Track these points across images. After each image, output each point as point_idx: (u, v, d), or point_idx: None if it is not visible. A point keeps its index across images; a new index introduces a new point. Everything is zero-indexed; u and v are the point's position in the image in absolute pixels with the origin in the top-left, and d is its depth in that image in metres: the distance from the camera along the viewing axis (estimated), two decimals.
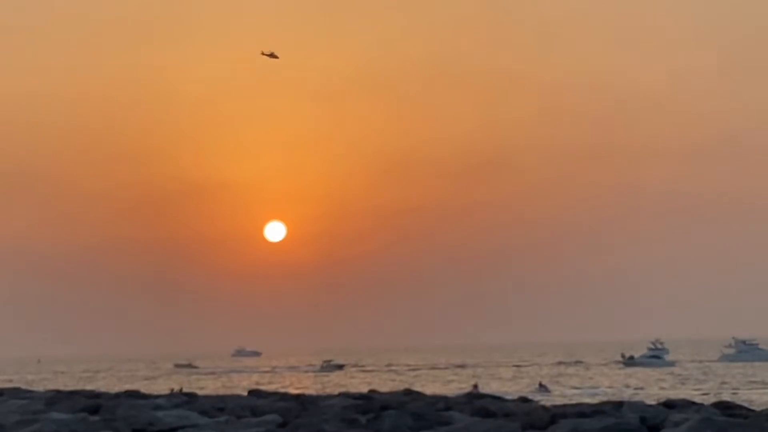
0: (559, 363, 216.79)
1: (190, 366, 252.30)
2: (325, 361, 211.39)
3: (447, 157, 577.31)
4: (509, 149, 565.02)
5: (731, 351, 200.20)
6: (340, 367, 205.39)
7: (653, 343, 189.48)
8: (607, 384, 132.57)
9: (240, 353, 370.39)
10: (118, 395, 57.63)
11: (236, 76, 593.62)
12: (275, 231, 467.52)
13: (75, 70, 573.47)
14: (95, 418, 39.79)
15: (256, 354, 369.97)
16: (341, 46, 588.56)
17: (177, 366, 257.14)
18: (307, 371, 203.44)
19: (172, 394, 58.79)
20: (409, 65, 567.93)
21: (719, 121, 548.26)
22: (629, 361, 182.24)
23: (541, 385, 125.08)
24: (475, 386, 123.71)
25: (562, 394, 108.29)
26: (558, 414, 39.68)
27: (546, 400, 75.12)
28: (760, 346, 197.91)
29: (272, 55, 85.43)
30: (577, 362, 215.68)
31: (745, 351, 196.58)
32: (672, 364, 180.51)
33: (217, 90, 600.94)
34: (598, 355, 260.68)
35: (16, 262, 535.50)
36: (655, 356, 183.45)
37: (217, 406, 46.50)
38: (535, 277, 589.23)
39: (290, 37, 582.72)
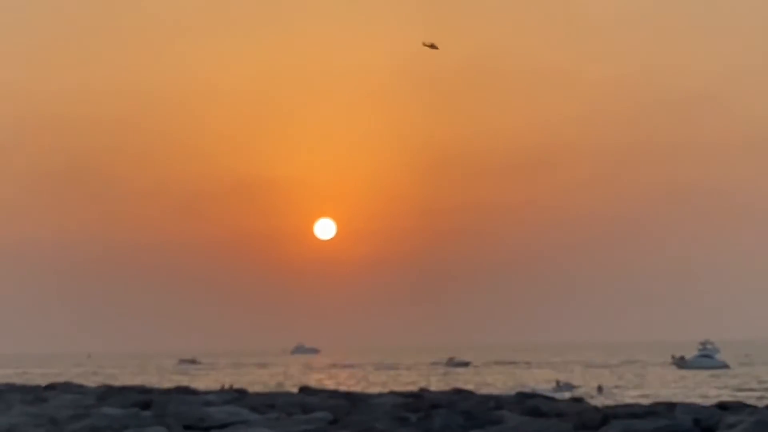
0: (616, 364, 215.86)
1: (193, 362, 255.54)
2: (449, 359, 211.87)
3: (493, 154, 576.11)
4: (556, 147, 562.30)
5: None
6: (466, 364, 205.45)
7: (703, 344, 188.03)
8: (660, 385, 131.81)
9: (299, 350, 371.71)
10: (168, 391, 57.90)
11: (284, 73, 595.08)
12: (325, 228, 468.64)
13: (125, 67, 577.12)
14: (146, 413, 39.99)
15: (315, 351, 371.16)
16: (386, 43, 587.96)
17: (181, 361, 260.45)
18: (434, 367, 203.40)
19: (222, 390, 58.98)
20: (455, 62, 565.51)
21: None
22: (680, 362, 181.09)
23: (599, 387, 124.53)
24: (558, 382, 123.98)
25: (618, 395, 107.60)
26: (610, 414, 39.38)
27: (600, 401, 74.77)
28: None
29: (432, 46, 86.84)
30: (631, 362, 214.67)
31: None
32: (724, 364, 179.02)
33: (265, 86, 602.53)
34: (651, 356, 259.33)
35: (68, 259, 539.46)
36: (707, 356, 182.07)
37: (267, 402, 46.57)
38: (581, 276, 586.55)
39: (335, 34, 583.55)
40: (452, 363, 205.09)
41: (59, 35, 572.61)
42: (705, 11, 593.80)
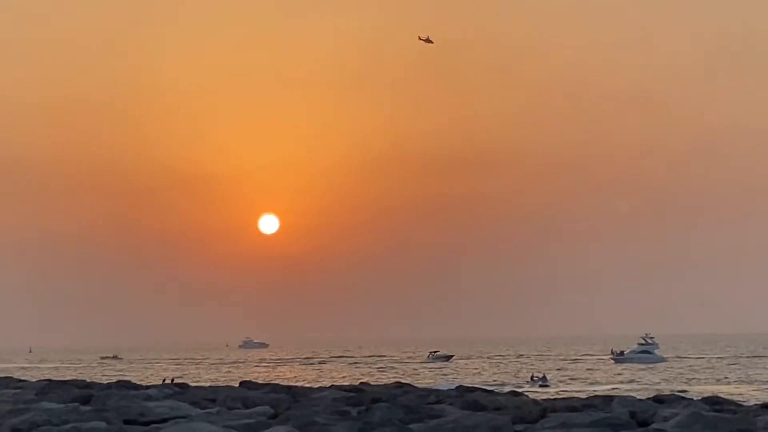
0: (555, 357, 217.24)
1: (115, 357, 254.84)
2: (431, 352, 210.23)
3: (436, 151, 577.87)
4: (497, 144, 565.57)
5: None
6: (448, 358, 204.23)
7: (643, 338, 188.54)
8: (599, 379, 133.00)
9: (248, 344, 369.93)
10: (109, 385, 57.65)
11: (230, 70, 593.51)
12: (269, 223, 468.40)
13: (70, 63, 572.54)
14: (87, 408, 39.84)
15: (264, 345, 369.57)
16: (334, 41, 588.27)
17: (102, 358, 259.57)
18: (417, 361, 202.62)
19: (163, 385, 58.85)
20: (401, 59, 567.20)
21: (704, 119, 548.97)
22: (619, 357, 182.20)
23: (535, 377, 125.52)
24: (533, 377, 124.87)
25: (559, 388, 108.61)
26: (548, 408, 39.85)
27: (539, 394, 75.46)
28: None
29: (428, 40, 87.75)
30: (575, 359, 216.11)
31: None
32: (662, 359, 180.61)
33: (212, 83, 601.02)
34: (590, 350, 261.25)
35: (6, 251, 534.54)
36: (646, 351, 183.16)
37: (209, 397, 46.59)
38: (523, 271, 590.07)
39: (281, 32, 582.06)
40: (434, 357, 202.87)
41: None
42: (645, 12, 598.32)
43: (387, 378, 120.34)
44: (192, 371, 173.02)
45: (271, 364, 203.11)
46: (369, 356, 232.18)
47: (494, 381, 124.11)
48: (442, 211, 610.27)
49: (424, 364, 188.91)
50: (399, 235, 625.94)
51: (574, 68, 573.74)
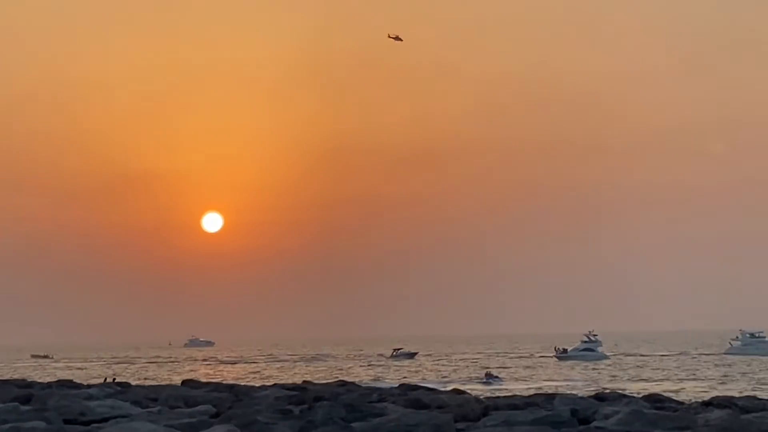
0: (499, 354, 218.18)
1: (46, 357, 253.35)
2: (395, 349, 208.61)
3: (380, 148, 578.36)
4: (442, 142, 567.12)
5: (738, 344, 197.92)
6: (412, 355, 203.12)
7: (587, 336, 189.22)
8: (542, 376, 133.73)
9: (193, 343, 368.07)
10: (50, 385, 57.18)
11: (171, 67, 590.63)
12: (212, 221, 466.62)
13: (11, 59, 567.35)
14: (26, 407, 39.47)
15: (210, 344, 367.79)
16: (275, 37, 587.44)
17: (33, 356, 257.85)
18: (378, 359, 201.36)
19: (105, 384, 58.46)
20: (343, 56, 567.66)
21: (651, 118, 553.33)
22: (562, 355, 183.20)
23: (489, 375, 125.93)
24: (488, 374, 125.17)
25: (504, 387, 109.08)
26: (490, 406, 39.97)
27: (482, 392, 75.73)
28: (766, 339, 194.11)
29: (397, 38, 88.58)
30: (518, 356, 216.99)
31: (750, 344, 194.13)
32: (605, 356, 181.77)
33: (151, 81, 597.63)
34: (533, 348, 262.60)
35: None
36: (589, 349, 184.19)
37: (150, 396, 46.33)
38: (465, 270, 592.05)
39: (223, 28, 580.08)
40: (398, 355, 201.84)
41: None
42: (595, 12, 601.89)
43: (333, 377, 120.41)
44: (131, 370, 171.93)
45: (212, 363, 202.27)
46: (315, 355, 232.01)
47: (459, 378, 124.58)
48: (387, 208, 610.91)
49: (389, 361, 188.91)
50: (342, 232, 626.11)
51: (524, 67, 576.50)
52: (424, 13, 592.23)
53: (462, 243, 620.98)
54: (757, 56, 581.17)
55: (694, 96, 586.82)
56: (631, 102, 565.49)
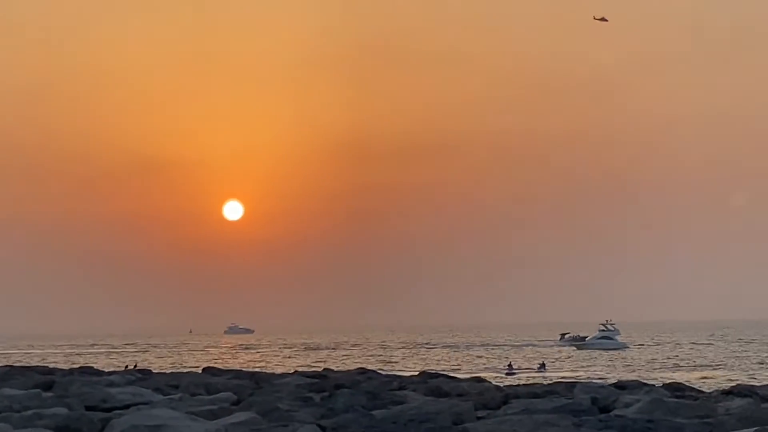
0: (521, 344, 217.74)
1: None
2: (562, 334, 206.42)
3: (401, 137, 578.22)
4: (461, 131, 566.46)
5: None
6: (583, 339, 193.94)
7: (604, 325, 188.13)
8: (561, 365, 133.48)
9: (233, 330, 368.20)
10: (71, 371, 57.44)
11: (195, 56, 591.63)
12: (233, 209, 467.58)
13: (31, 49, 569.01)
14: (48, 394, 39.68)
15: (249, 331, 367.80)
16: (295, 28, 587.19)
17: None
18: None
19: (126, 371, 58.72)
20: (363, 46, 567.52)
21: (660, 108, 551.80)
22: (580, 343, 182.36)
23: (510, 366, 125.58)
24: (510, 365, 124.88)
25: (525, 376, 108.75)
26: (510, 394, 40.04)
27: (504, 381, 75.63)
28: None
29: (603, 19, 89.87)
30: (531, 344, 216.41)
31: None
32: (624, 345, 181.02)
33: (175, 69, 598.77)
34: (551, 336, 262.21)
35: None
36: (606, 338, 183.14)
37: (172, 383, 46.51)
38: (482, 258, 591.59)
39: (246, 17, 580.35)
40: (567, 340, 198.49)
41: None
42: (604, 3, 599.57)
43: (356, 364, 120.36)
44: (152, 357, 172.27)
45: (239, 351, 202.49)
46: (358, 343, 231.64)
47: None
48: (406, 197, 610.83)
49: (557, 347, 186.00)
50: (361, 221, 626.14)
51: (542, 56, 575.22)
52: (441, 1, 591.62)
53: (484, 231, 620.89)
54: None
55: (713, 84, 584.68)
56: (650, 90, 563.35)
